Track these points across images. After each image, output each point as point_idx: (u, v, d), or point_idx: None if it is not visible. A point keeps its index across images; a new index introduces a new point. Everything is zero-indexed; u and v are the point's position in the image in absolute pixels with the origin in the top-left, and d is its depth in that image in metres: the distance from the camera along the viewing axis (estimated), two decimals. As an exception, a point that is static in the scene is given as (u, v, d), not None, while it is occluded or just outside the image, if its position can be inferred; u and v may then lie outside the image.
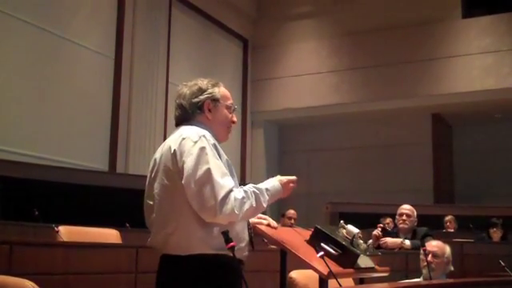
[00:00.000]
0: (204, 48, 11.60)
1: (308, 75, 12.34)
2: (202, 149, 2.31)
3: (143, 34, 9.76)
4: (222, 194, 2.25)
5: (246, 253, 2.47)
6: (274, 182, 2.48)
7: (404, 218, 5.47)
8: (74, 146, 8.47)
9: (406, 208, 5.52)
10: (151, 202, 2.42)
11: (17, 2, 7.77)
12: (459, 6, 11.42)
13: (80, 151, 8.55)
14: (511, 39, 10.83)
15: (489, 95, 10.79)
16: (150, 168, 2.47)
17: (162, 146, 2.49)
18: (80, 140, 8.58)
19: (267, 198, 2.40)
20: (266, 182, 2.49)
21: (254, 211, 2.36)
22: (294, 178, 2.54)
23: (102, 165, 8.97)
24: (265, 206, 2.39)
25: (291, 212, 8.41)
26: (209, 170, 2.27)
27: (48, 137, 8.08)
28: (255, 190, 2.38)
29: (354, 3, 12.14)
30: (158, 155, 2.46)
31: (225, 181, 2.29)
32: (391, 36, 11.62)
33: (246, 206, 2.30)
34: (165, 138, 2.57)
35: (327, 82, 12.16)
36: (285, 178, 2.52)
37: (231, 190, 2.28)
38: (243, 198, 2.31)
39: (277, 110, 12.60)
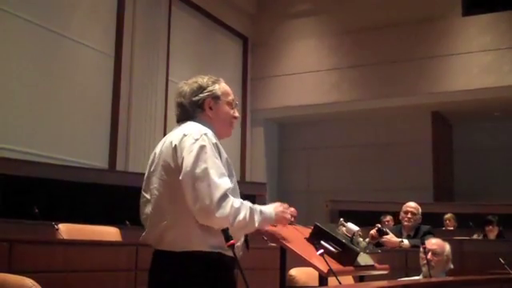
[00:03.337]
0: (204, 46, 11.59)
1: (308, 73, 12.33)
2: (202, 147, 2.30)
3: (143, 31, 9.76)
4: (217, 194, 2.23)
5: (241, 253, 2.45)
6: (269, 208, 2.45)
7: (409, 216, 5.46)
8: (73, 144, 8.47)
9: (411, 206, 5.50)
10: (148, 196, 2.41)
11: (17, 1, 7.76)
12: (459, 3, 11.41)
13: (80, 149, 8.55)
14: (511, 37, 10.82)
15: (489, 93, 10.78)
16: (150, 162, 2.46)
17: (162, 140, 2.47)
18: (80, 137, 8.58)
19: (260, 218, 2.37)
20: (263, 206, 2.45)
21: (244, 225, 2.31)
22: (292, 209, 2.50)
23: (101, 162, 8.96)
24: (256, 225, 2.35)
25: (291, 210, 8.41)
26: (206, 169, 2.26)
27: (47, 134, 8.08)
28: (251, 206, 2.36)
29: (354, 1, 12.12)
30: (158, 149, 2.45)
31: (222, 181, 2.27)
32: (391, 34, 11.61)
33: (240, 218, 2.27)
34: (165, 136, 2.55)
35: (327, 80, 12.15)
36: (280, 208, 2.48)
37: (228, 193, 2.26)
38: (239, 208, 2.28)
39: (277, 108, 12.60)
